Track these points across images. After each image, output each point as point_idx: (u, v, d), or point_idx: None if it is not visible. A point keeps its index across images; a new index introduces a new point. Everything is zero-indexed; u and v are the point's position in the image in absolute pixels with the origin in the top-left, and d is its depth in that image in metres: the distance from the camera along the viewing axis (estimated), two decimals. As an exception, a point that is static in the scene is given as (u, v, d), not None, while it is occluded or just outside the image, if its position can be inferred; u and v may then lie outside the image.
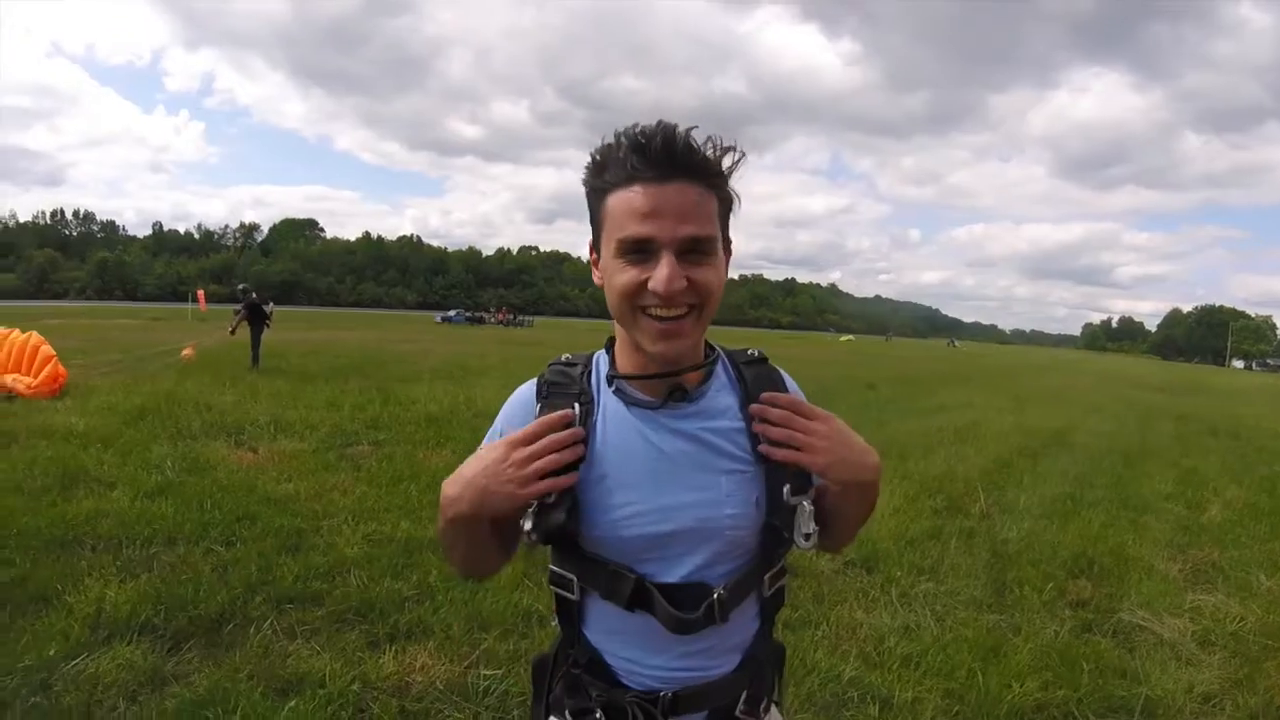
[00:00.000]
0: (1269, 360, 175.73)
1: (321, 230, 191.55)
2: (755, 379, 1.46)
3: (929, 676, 4.27)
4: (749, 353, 1.52)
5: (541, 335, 53.61)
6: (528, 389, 1.48)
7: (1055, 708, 4.08)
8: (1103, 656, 4.70)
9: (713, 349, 1.49)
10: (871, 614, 5.12)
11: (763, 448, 1.37)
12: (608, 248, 1.33)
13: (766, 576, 1.45)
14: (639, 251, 1.28)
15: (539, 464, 1.29)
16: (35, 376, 12.32)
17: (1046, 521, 7.75)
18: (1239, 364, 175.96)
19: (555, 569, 1.45)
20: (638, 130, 1.27)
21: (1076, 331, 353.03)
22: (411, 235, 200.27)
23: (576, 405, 1.39)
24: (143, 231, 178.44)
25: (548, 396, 1.42)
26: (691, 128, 1.28)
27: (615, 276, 1.31)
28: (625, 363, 1.44)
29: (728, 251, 1.39)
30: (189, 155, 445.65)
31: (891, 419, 15.48)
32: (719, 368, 1.48)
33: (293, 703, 3.68)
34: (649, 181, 1.26)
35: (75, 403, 11.58)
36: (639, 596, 1.36)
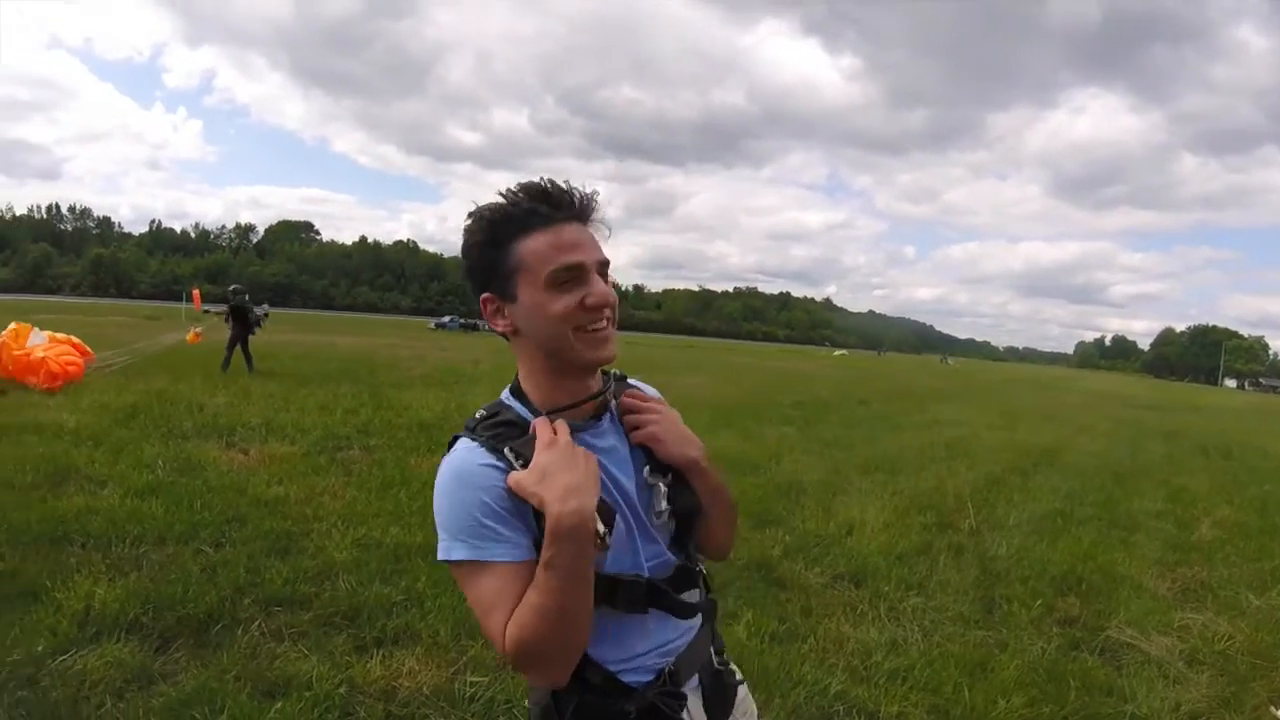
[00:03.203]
0: (1261, 380, 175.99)
1: (317, 233, 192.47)
2: (621, 391, 1.68)
3: (915, 691, 4.27)
4: (614, 373, 1.72)
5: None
6: (471, 451, 1.46)
7: (1042, 724, 4.08)
8: (1090, 674, 4.70)
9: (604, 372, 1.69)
10: (859, 628, 5.11)
11: (632, 434, 1.60)
12: (531, 286, 1.46)
13: (691, 546, 1.65)
14: (570, 280, 1.44)
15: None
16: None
17: (1036, 538, 7.75)
18: (1231, 383, 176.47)
19: None
20: (524, 186, 1.48)
21: (1070, 349, 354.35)
22: (408, 240, 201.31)
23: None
24: (139, 229, 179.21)
25: (509, 443, 1.46)
26: (565, 180, 1.49)
27: (548, 307, 1.45)
28: (550, 396, 1.54)
29: None
30: (187, 153, 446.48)
31: (883, 434, 15.53)
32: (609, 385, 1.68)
33: (279, 704, 3.67)
34: (561, 222, 1.46)
35: (67, 400, 11.61)
36: (653, 592, 1.52)
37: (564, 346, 1.47)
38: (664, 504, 1.56)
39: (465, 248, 1.53)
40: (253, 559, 5.42)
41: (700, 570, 1.67)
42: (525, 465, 1.39)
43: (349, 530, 6.17)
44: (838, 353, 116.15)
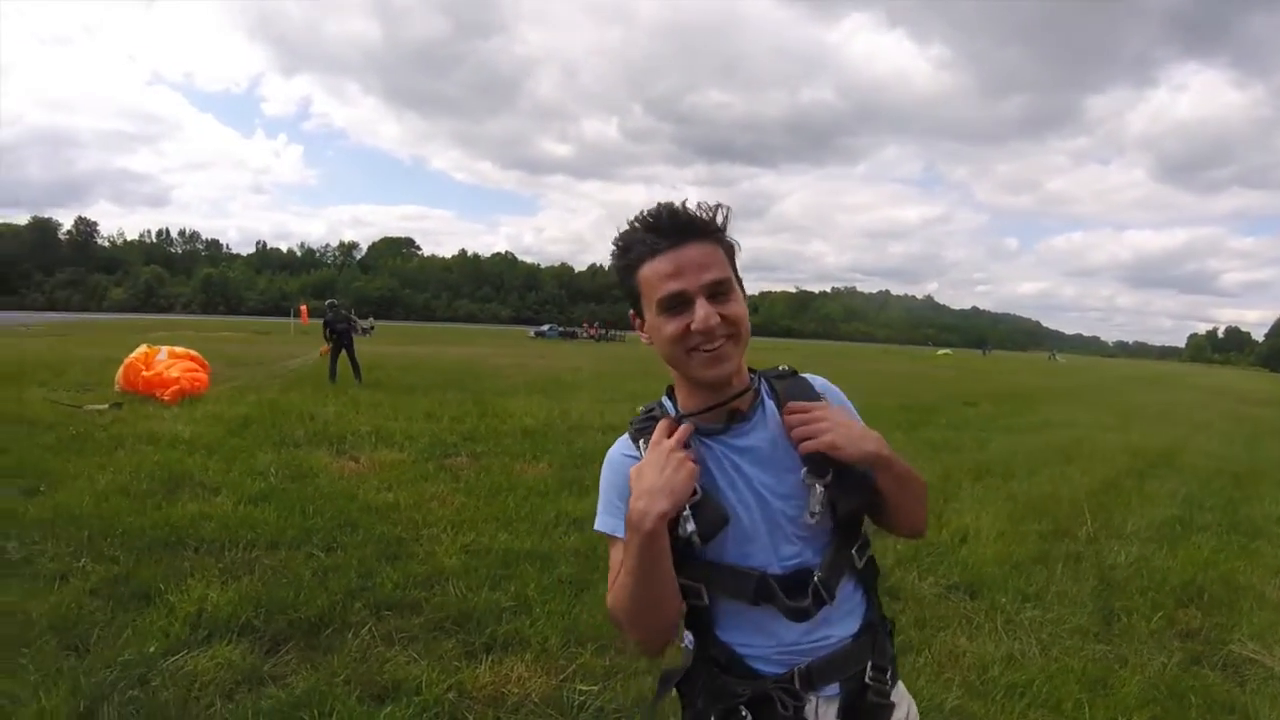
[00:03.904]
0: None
1: (418, 248, 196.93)
2: (786, 390, 1.73)
3: (1034, 708, 4.19)
4: (779, 369, 1.81)
5: (633, 350, 53.79)
6: (622, 444, 1.73)
7: (1165, 743, 3.98)
8: (1212, 690, 4.56)
9: (753, 373, 1.76)
10: (975, 641, 5.04)
11: (800, 446, 1.60)
12: (650, 310, 1.61)
13: (853, 551, 1.68)
14: (677, 305, 1.56)
15: (690, 453, 1.56)
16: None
17: (1155, 546, 7.52)
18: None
19: (683, 582, 1.60)
20: (646, 213, 1.59)
21: (1181, 343, 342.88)
22: (505, 252, 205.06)
23: None
24: (246, 249, 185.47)
25: (643, 437, 1.64)
26: (684, 200, 1.59)
27: (662, 330, 1.59)
28: (688, 402, 1.69)
29: (741, 288, 1.66)
30: (288, 177, 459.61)
31: (993, 437, 15.21)
32: (761, 388, 1.75)
33: (388, 709, 3.76)
34: (668, 249, 1.56)
35: (182, 411, 12.05)
36: (762, 589, 1.59)
37: (681, 364, 1.61)
38: (817, 505, 1.59)
39: (613, 269, 1.69)
40: (364, 564, 5.57)
41: (855, 582, 1.70)
42: None
43: (458, 536, 6.30)
44: (941, 352, 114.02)
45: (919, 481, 1.75)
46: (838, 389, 1.82)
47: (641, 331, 1.68)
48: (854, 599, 1.69)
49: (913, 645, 4.89)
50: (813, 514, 1.59)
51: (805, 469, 1.60)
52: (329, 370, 18.23)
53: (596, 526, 1.68)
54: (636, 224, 1.60)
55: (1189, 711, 4.25)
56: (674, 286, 1.54)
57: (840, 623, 1.65)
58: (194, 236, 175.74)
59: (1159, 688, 4.51)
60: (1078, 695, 4.30)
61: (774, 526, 1.62)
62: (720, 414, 1.67)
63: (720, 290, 1.56)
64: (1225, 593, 6.25)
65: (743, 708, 1.59)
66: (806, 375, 1.81)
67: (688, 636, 1.71)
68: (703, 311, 1.53)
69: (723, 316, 1.55)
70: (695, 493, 1.52)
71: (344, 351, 18.62)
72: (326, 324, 18.86)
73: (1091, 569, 6.66)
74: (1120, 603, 5.85)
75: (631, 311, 1.70)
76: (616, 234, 1.65)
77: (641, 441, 1.63)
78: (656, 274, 1.56)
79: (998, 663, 4.71)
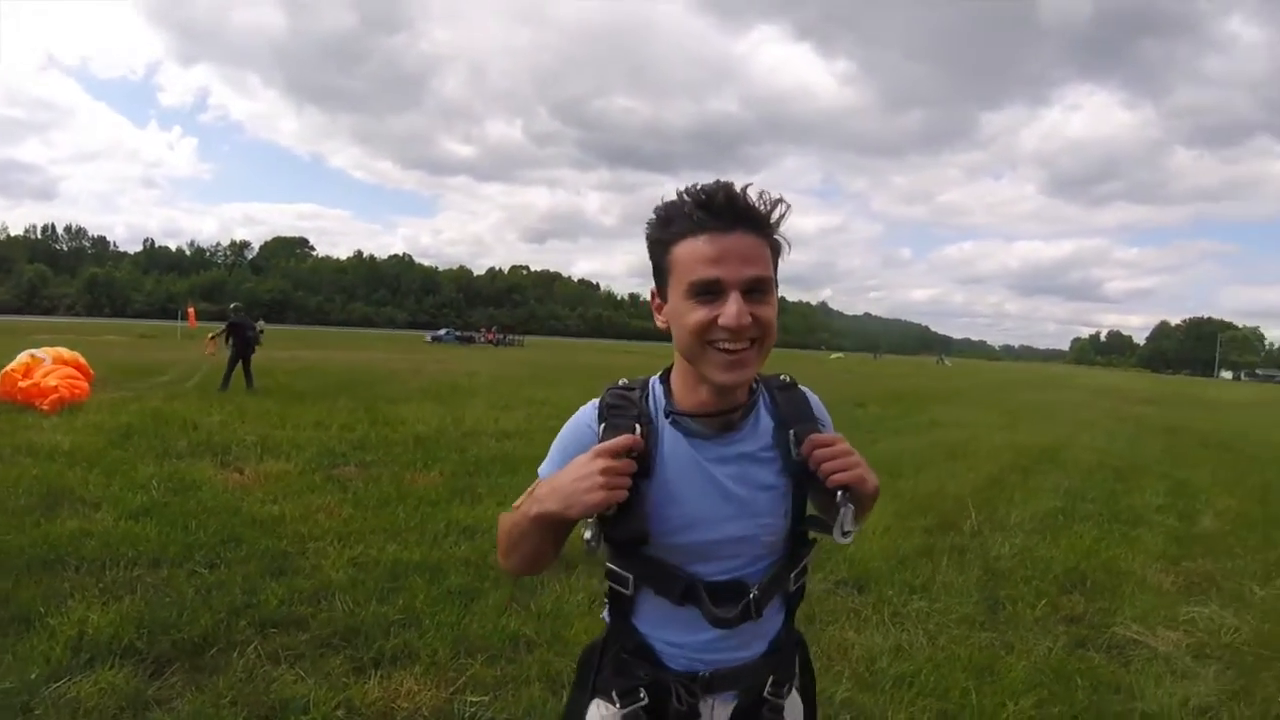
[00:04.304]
0: (1258, 371, 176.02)
1: (312, 248, 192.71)
2: (787, 403, 1.67)
3: (922, 696, 4.23)
4: (781, 378, 1.73)
5: (531, 355, 53.69)
6: (589, 409, 1.67)
7: (1051, 726, 4.04)
8: (1097, 672, 4.69)
9: (755, 380, 1.66)
10: (863, 634, 5.08)
11: (832, 479, 1.53)
12: (676, 291, 1.50)
13: (792, 574, 1.67)
14: (708, 292, 1.45)
15: (622, 477, 1.46)
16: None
17: (1038, 537, 7.75)
18: (1228, 375, 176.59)
19: (613, 567, 1.62)
20: (700, 188, 1.47)
21: (1066, 346, 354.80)
22: (403, 254, 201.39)
23: (638, 426, 1.56)
24: (134, 247, 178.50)
25: (609, 418, 1.59)
26: (747, 185, 1.48)
27: (687, 316, 1.48)
28: (685, 397, 1.61)
29: (776, 291, 1.56)
30: (181, 171, 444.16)
31: (882, 437, 15.51)
32: (759, 395, 1.67)
33: (276, 730, 3.62)
34: (715, 231, 1.45)
35: (62, 420, 11.59)
36: (689, 593, 1.56)
37: (696, 357, 1.51)
38: (852, 523, 1.53)
39: (646, 240, 1.58)
40: (248, 580, 5.37)
41: (780, 603, 1.69)
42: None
43: (345, 549, 6.12)
44: (834, 355, 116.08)
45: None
46: (828, 413, 1.77)
47: (658, 313, 1.60)
48: (774, 620, 1.67)
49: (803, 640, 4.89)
50: (845, 533, 1.52)
51: (840, 494, 1.52)
52: (224, 378, 17.75)
53: (539, 470, 1.66)
54: (686, 197, 1.49)
55: (1075, 693, 4.35)
56: (711, 272, 1.44)
57: (754, 642, 1.64)
58: (80, 233, 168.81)
59: (1045, 671, 4.61)
60: (964, 683, 4.36)
61: (732, 541, 1.58)
62: (715, 421, 1.60)
63: (759, 289, 1.47)
64: (1107, 578, 6.46)
65: (642, 689, 1.59)
66: (804, 390, 1.75)
67: (606, 610, 1.69)
68: (735, 307, 1.43)
69: (755, 317, 1.45)
70: (610, 508, 1.45)
71: (241, 358, 18.13)
72: (232, 326, 18.29)
73: (976, 560, 6.81)
74: (1005, 591, 5.98)
75: (652, 289, 1.61)
76: (660, 203, 1.54)
77: (604, 425, 1.58)
78: (695, 255, 1.45)
79: (886, 654, 4.75)
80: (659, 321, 1.60)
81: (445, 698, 4.02)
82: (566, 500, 1.44)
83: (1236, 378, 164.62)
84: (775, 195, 1.50)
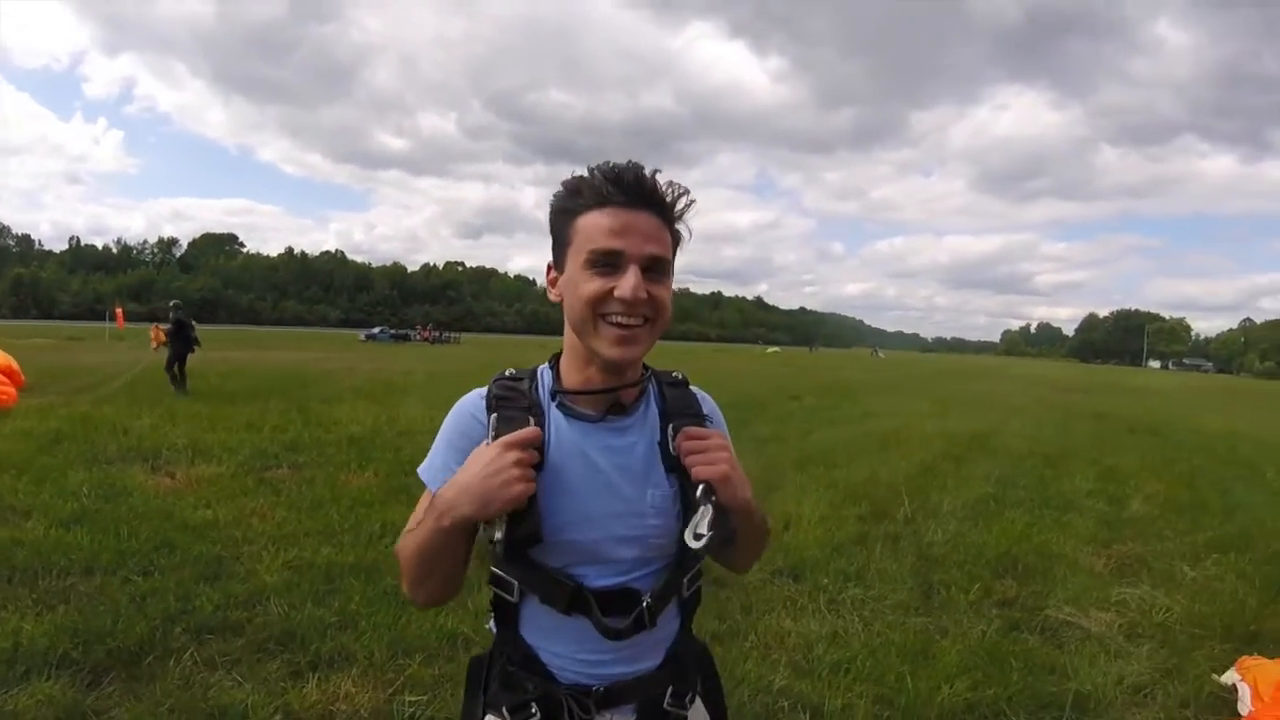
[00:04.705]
0: (1185, 360, 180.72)
1: (242, 245, 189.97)
2: (674, 399, 1.64)
3: (859, 682, 4.27)
4: (673, 375, 1.71)
5: (468, 352, 53.33)
6: (474, 400, 1.59)
7: (986, 707, 4.10)
8: (1031, 654, 4.76)
9: (645, 369, 1.64)
10: (799, 622, 5.11)
11: (695, 470, 1.47)
12: (575, 261, 1.47)
13: (685, 579, 1.59)
14: (607, 264, 1.43)
15: (528, 469, 1.40)
16: None
17: (971, 523, 7.86)
18: (1155, 364, 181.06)
19: (497, 572, 1.55)
20: (611, 165, 1.47)
21: (997, 338, 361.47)
22: (335, 250, 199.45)
23: (530, 418, 1.51)
24: (59, 246, 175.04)
25: (499, 409, 1.52)
26: (656, 170, 1.48)
27: (582, 286, 1.45)
28: (572, 377, 1.57)
29: (672, 279, 1.55)
30: (107, 165, 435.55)
31: (816, 428, 15.66)
32: (649, 387, 1.64)
33: (215, 735, 3.57)
34: (621, 205, 1.44)
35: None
36: (576, 602, 1.49)
37: (586, 332, 1.48)
38: (705, 527, 1.43)
39: (549, 212, 1.56)
40: (182, 586, 5.27)
41: (676, 609, 1.62)
42: (495, 439, 1.43)
43: (279, 552, 6.02)
44: (770, 350, 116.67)
45: (767, 533, 1.71)
46: (721, 415, 1.74)
47: (552, 286, 1.57)
48: (669, 627, 1.62)
49: (740, 630, 4.94)
50: (698, 536, 1.43)
51: (701, 489, 1.46)
52: (177, 378, 17.52)
53: (419, 470, 1.58)
54: (597, 172, 1.47)
55: (1010, 675, 4.40)
56: (614, 243, 1.43)
57: (649, 653, 1.59)
58: (4, 231, 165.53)
59: (979, 654, 4.66)
60: (900, 667, 4.41)
61: (620, 541, 1.51)
62: (601, 402, 1.56)
63: (657, 269, 1.47)
64: (1040, 562, 6.57)
65: (533, 704, 1.53)
66: (695, 390, 1.72)
67: (491, 619, 1.62)
68: (634, 279, 1.42)
69: (650, 296, 1.45)
70: (521, 503, 1.40)
71: (180, 359, 17.82)
72: (178, 324, 18.01)
73: (910, 547, 6.89)
74: (938, 577, 6.06)
75: (549, 261, 1.58)
76: (570, 176, 1.51)
77: (495, 416, 1.51)
78: (598, 226, 1.44)
79: (822, 641, 4.80)
80: (551, 294, 1.58)
81: (384, 699, 3.99)
82: (482, 499, 1.37)
83: (1164, 367, 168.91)
84: (682, 187, 1.51)
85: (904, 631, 5.01)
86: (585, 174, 1.49)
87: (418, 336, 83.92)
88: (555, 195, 1.53)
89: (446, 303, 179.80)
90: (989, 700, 4.15)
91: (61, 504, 7.10)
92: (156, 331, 18.57)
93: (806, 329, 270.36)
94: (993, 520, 8.01)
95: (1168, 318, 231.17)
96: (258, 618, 4.86)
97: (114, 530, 6.32)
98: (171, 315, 18.27)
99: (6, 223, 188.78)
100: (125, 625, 4.58)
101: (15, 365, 14.90)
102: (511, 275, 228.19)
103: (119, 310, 45.40)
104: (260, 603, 5.09)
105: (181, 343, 17.86)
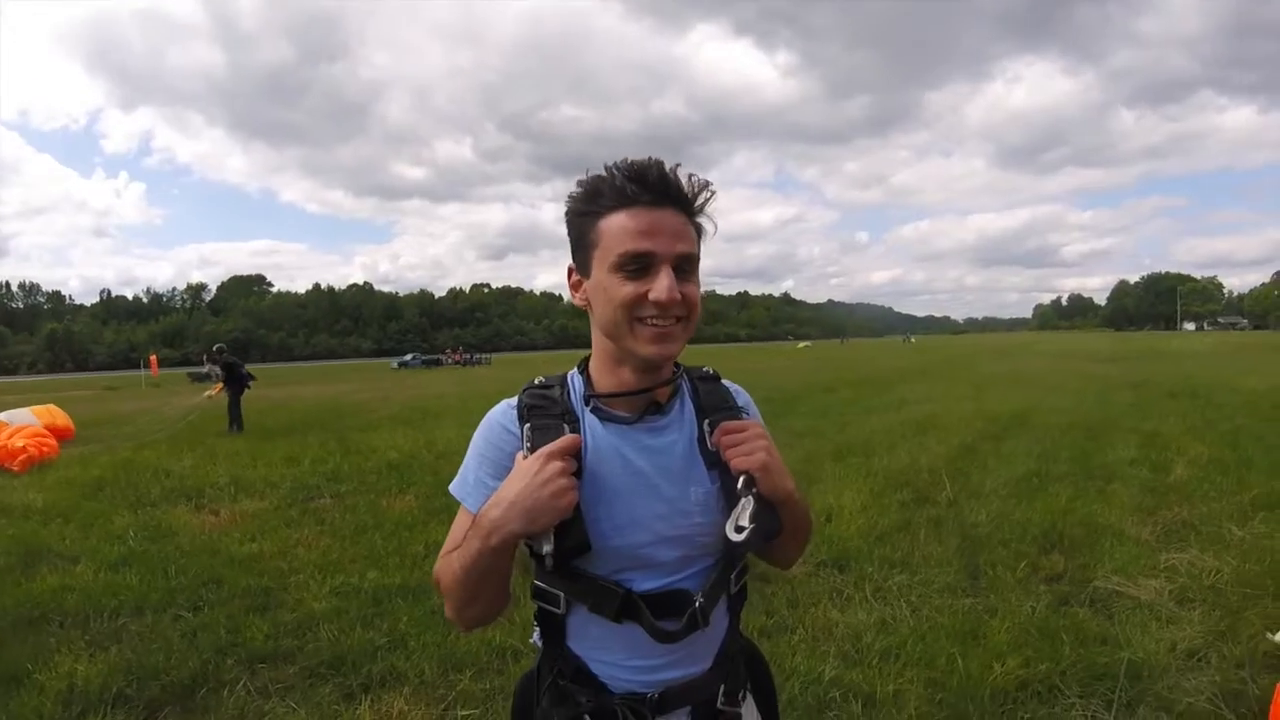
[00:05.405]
0: (1219, 319, 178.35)
1: (270, 285, 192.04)
2: (708, 394, 1.60)
3: (909, 668, 4.25)
4: (703, 370, 1.66)
5: (499, 373, 53.53)
6: (505, 410, 1.56)
7: (1039, 683, 4.07)
8: (1082, 626, 4.71)
9: (676, 366, 1.60)
10: (846, 612, 5.10)
11: (734, 462, 1.45)
12: (602, 265, 1.43)
13: (732, 576, 1.55)
14: (638, 267, 1.39)
15: (572, 477, 1.37)
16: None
17: (1014, 501, 7.80)
18: (1190, 326, 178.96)
19: (541, 585, 1.50)
20: (630, 162, 1.41)
21: (1029, 314, 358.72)
22: (362, 283, 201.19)
23: (565, 425, 1.47)
24: (90, 299, 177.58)
25: (531, 418, 1.49)
26: (676, 165, 1.43)
27: (614, 290, 1.41)
28: (604, 380, 1.54)
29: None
30: (132, 218, 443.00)
31: (853, 419, 15.60)
32: (682, 384, 1.60)
33: (271, 762, 3.61)
34: (647, 205, 1.40)
35: (33, 478, 11.48)
36: (627, 608, 1.44)
37: (621, 334, 1.44)
38: (747, 520, 1.39)
39: (565, 215, 1.51)
40: (232, 619, 5.34)
41: (725, 606, 1.57)
42: (532, 449, 1.41)
43: (326, 579, 6.09)
44: (801, 345, 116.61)
45: (810, 525, 1.68)
46: (756, 407, 1.70)
47: (575, 291, 1.53)
48: (719, 626, 1.56)
49: (787, 624, 4.93)
50: (739, 529, 1.39)
51: (741, 480, 1.43)
52: (235, 419, 17.84)
53: (451, 488, 1.56)
54: (616, 171, 1.42)
55: (1061, 649, 4.36)
56: (644, 245, 1.39)
57: (702, 653, 1.54)
58: (34, 289, 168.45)
59: (1029, 631, 4.63)
60: (949, 650, 4.38)
61: (666, 542, 1.47)
62: (637, 403, 1.52)
63: (687, 266, 1.44)
64: (1086, 534, 6.52)
65: (587, 717, 1.49)
66: (727, 383, 1.68)
67: (536, 633, 1.57)
68: (667, 281, 1.38)
69: (682, 294, 1.41)
70: (569, 514, 1.37)
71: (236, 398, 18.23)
72: (226, 367, 18.49)
73: (954, 530, 6.85)
74: (984, 557, 6.02)
75: (570, 265, 1.54)
76: (584, 177, 1.47)
77: (528, 426, 1.47)
78: (625, 228, 1.40)
79: (870, 629, 4.78)
80: (577, 300, 1.54)
81: (437, 715, 4.02)
82: (530, 513, 1.33)
83: (1199, 328, 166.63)
84: (703, 180, 1.47)
85: (952, 614, 4.98)
86: (603, 174, 1.44)
87: (449, 360, 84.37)
88: (572, 197, 1.49)
89: (475, 325, 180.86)
90: (1041, 676, 4.11)
91: (109, 548, 7.23)
92: (218, 386, 18.81)
93: (836, 321, 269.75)
94: (1036, 496, 7.95)
95: (1199, 278, 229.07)
96: (308, 644, 4.91)
97: (162, 570, 6.42)
98: (221, 359, 18.69)
99: (36, 280, 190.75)
100: (178, 660, 4.65)
101: (62, 420, 15.19)
102: (537, 293, 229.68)
103: (153, 358, 46.06)
104: (310, 629, 5.15)
105: (237, 383, 18.21)
